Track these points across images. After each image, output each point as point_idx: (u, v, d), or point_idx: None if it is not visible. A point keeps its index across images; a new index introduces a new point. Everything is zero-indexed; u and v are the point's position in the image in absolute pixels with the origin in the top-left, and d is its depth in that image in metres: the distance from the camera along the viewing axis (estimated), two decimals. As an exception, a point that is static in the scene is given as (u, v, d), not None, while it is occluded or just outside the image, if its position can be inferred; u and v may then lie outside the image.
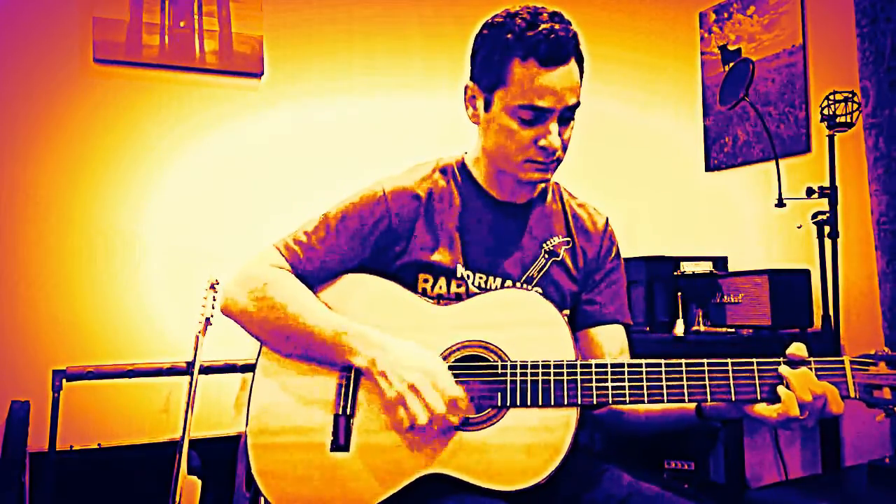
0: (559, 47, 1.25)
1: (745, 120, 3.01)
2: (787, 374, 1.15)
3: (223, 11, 2.97)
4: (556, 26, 1.26)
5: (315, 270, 1.36)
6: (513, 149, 1.31)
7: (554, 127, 1.28)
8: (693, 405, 1.25)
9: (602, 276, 1.46)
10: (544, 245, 1.41)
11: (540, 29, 1.25)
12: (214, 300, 2.46)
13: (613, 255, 1.49)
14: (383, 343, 1.25)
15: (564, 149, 1.33)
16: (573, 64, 1.29)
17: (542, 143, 1.29)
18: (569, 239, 1.44)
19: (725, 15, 3.12)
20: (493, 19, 1.32)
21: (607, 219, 1.51)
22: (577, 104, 1.30)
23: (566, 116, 1.30)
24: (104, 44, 2.79)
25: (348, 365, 1.27)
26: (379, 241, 1.37)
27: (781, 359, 1.17)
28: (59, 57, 2.75)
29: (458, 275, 1.36)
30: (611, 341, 1.43)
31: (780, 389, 1.14)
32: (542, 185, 1.43)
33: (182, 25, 2.91)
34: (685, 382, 1.17)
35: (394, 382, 1.20)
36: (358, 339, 1.26)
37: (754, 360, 1.17)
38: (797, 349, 1.17)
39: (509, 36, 1.27)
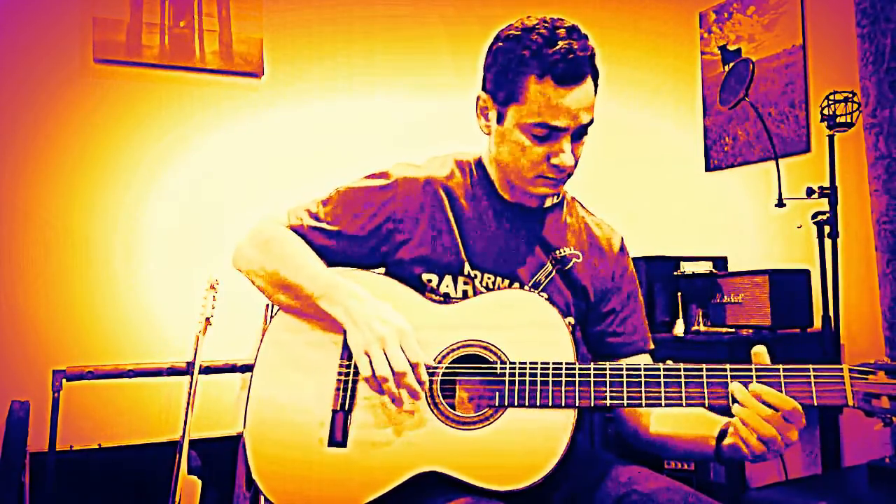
0: (576, 67, 1.22)
1: (745, 120, 3.00)
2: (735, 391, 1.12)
3: (223, 11, 2.97)
4: (575, 44, 1.22)
5: (315, 239, 1.38)
6: (525, 164, 1.30)
7: (567, 145, 1.27)
8: (713, 445, 1.22)
9: (620, 303, 1.42)
10: (553, 253, 1.39)
11: (558, 47, 1.21)
12: (214, 300, 2.46)
13: (629, 276, 1.45)
14: (361, 296, 1.27)
15: (576, 164, 1.31)
16: (589, 82, 1.26)
17: (554, 160, 1.27)
18: (580, 253, 1.41)
19: (725, 15, 3.11)
20: (509, 32, 1.28)
21: (623, 238, 1.47)
22: (592, 121, 1.28)
23: (580, 133, 1.29)
24: (104, 44, 2.79)
25: (327, 313, 1.29)
26: (381, 227, 1.36)
27: (780, 365, 1.15)
28: (59, 57, 2.75)
29: (466, 272, 1.35)
30: None
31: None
32: (554, 198, 1.42)
33: (182, 25, 2.91)
34: (683, 388, 1.16)
35: (364, 332, 1.23)
36: (340, 290, 1.28)
37: (752, 366, 1.15)
38: (758, 355, 1.15)
39: (525, 53, 1.23)
